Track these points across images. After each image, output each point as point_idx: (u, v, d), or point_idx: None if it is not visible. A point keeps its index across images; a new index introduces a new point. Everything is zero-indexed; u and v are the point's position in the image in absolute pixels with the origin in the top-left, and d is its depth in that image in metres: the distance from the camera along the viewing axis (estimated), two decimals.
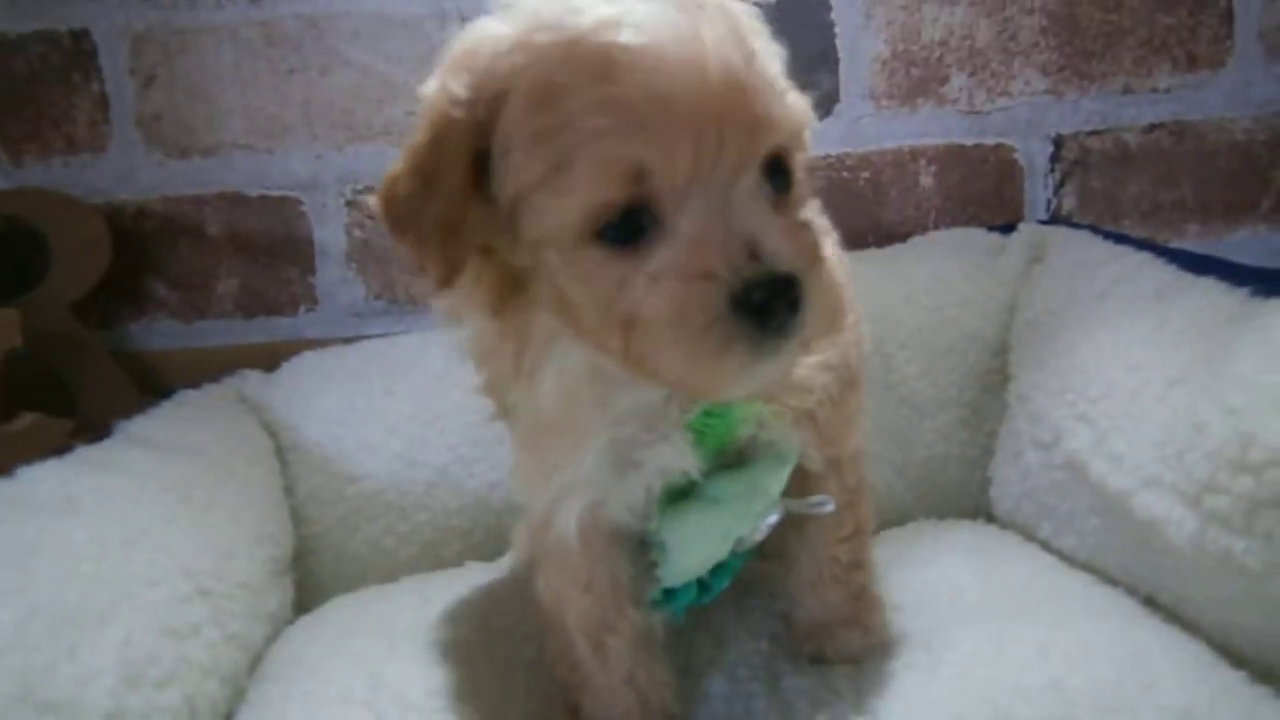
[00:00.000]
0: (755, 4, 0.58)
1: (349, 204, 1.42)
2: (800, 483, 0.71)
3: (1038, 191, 1.42)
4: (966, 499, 1.08)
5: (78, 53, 1.36)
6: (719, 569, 0.70)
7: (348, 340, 1.29)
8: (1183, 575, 0.73)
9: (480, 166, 0.56)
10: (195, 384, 1.21)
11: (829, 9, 1.37)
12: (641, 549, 0.71)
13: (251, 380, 1.26)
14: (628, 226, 0.53)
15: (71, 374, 1.26)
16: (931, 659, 0.72)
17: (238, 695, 0.86)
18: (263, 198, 1.41)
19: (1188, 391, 0.78)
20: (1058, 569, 0.86)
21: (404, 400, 1.17)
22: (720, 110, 0.51)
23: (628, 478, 0.65)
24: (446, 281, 0.57)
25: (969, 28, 1.37)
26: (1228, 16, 1.36)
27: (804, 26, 1.37)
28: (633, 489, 0.66)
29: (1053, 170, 1.41)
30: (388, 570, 1.10)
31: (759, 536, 0.68)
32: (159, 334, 1.42)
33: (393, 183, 0.58)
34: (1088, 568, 0.85)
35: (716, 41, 0.51)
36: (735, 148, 0.52)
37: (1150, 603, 0.78)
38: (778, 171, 0.56)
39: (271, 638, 0.95)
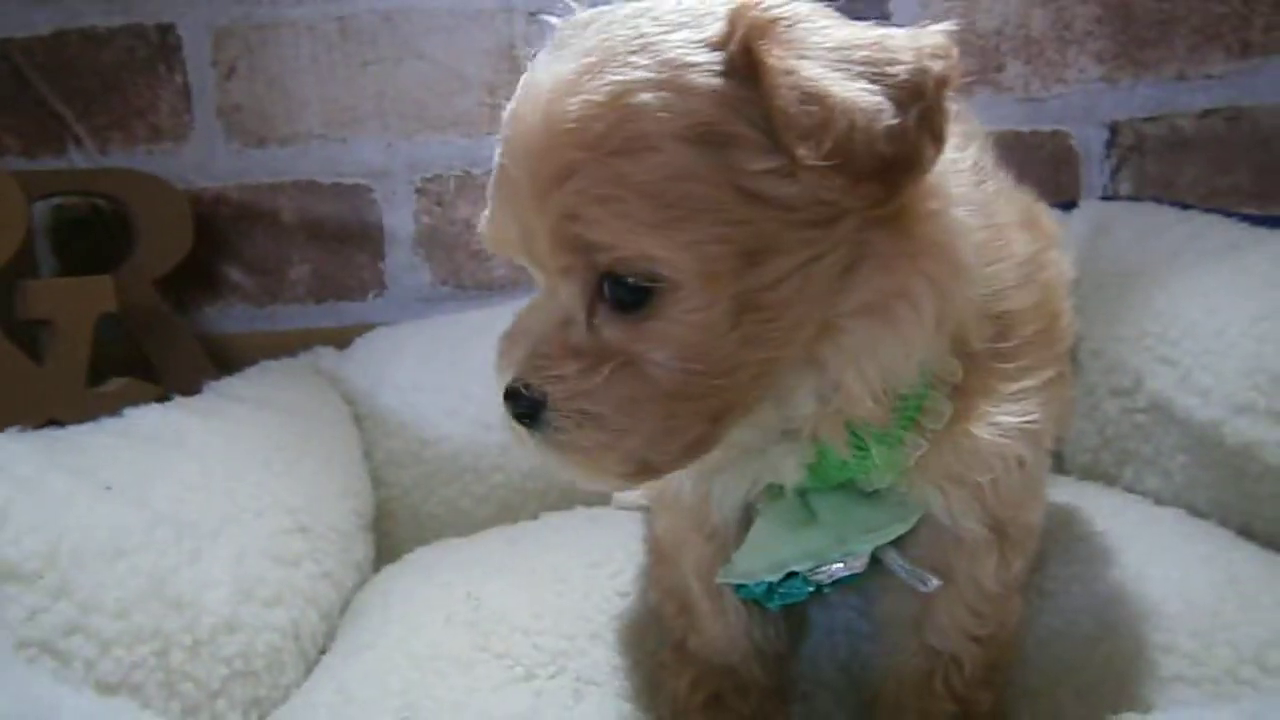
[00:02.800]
0: None
1: (418, 191, 1.46)
2: (935, 546, 0.63)
3: (1093, 177, 1.44)
4: None
5: (163, 45, 1.41)
6: (790, 582, 0.65)
7: None
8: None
9: None
10: None
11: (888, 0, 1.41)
12: None
13: (326, 355, 1.29)
14: None
15: (155, 349, 1.29)
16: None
17: (331, 632, 0.87)
18: (336, 185, 1.46)
19: (1273, 325, 0.80)
20: (1145, 505, 0.87)
21: (477, 368, 1.19)
22: (519, 199, 0.51)
23: (737, 461, 0.61)
24: None
25: (1024, 16, 1.40)
26: None
27: (863, 17, 1.40)
28: (739, 475, 0.63)
29: (1108, 156, 1.43)
30: (465, 531, 1.11)
31: (824, 579, 0.63)
32: (234, 318, 1.46)
33: None
34: (1175, 505, 0.86)
35: (539, 125, 0.49)
36: (531, 245, 0.52)
37: (1244, 533, 0.78)
38: (629, 289, 0.50)
39: (359, 586, 0.97)
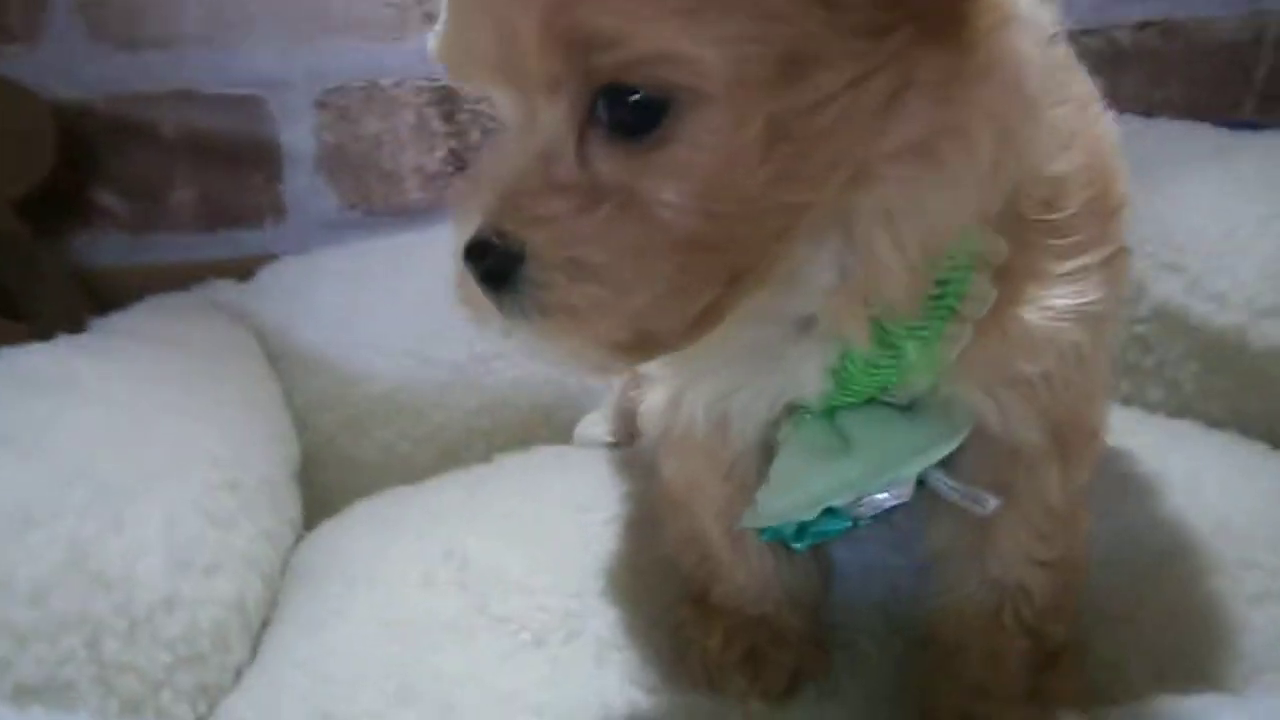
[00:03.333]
0: None
1: (319, 104, 1.30)
2: (988, 464, 0.54)
3: None
4: None
5: None
6: (823, 519, 0.56)
7: None
8: None
9: None
10: None
11: None
12: None
13: (224, 288, 1.14)
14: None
15: (18, 282, 1.11)
16: None
17: (273, 600, 0.76)
18: (222, 96, 1.28)
19: None
20: (1159, 419, 0.83)
21: (410, 298, 1.07)
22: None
23: (754, 381, 0.53)
24: None
25: None
26: None
27: None
28: (756, 394, 0.53)
29: None
30: (404, 478, 0.98)
31: (862, 512, 0.55)
32: (107, 249, 1.28)
33: None
34: (1184, 417, 0.82)
35: None
36: (526, 50, 0.39)
37: (1269, 440, 0.75)
38: (635, 106, 0.39)
39: (294, 546, 0.85)
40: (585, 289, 0.41)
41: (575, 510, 0.75)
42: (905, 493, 0.55)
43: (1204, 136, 0.97)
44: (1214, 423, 0.80)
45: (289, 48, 1.28)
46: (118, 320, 0.94)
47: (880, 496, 0.54)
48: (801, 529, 0.58)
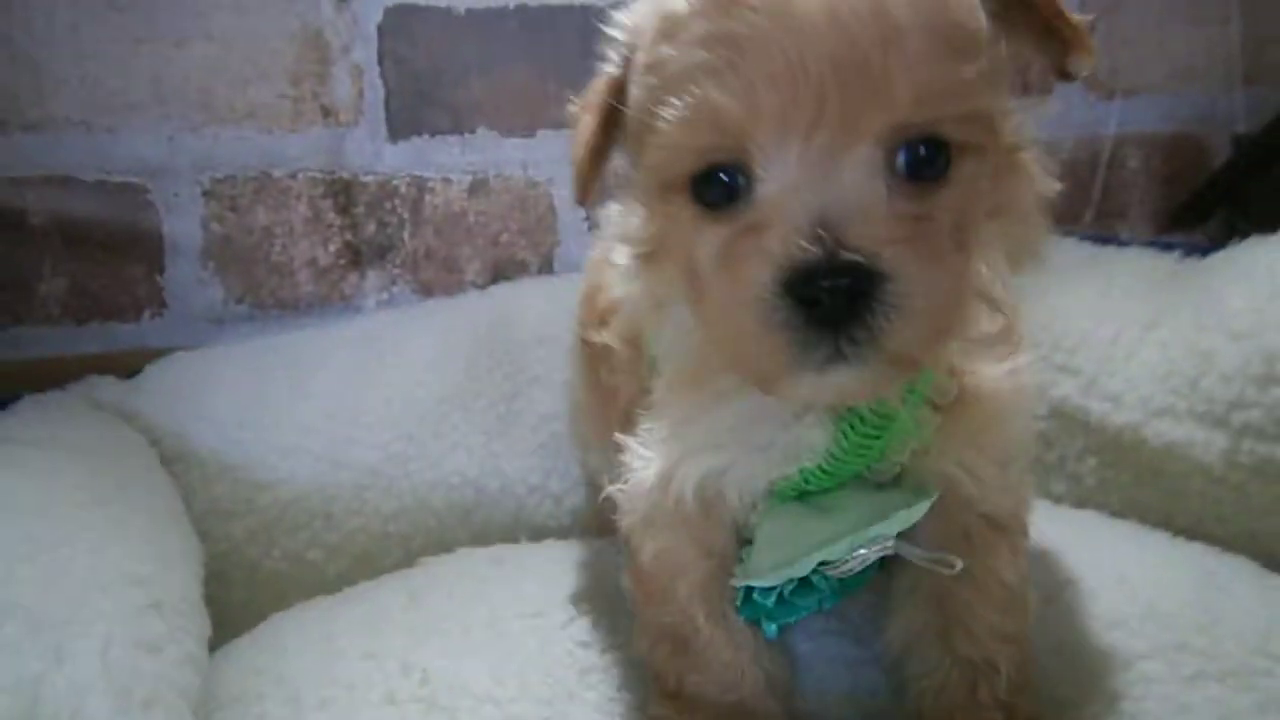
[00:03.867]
0: None
1: (206, 194, 1.25)
2: (946, 547, 0.59)
3: None
4: None
5: None
6: (804, 589, 0.61)
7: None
8: (1208, 493, 0.78)
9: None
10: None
11: None
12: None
13: (104, 386, 1.06)
14: (717, 183, 0.49)
15: None
16: None
17: None
18: (100, 183, 1.21)
19: (1170, 331, 0.85)
20: (1065, 509, 0.89)
21: (317, 398, 1.03)
22: (831, 64, 0.44)
23: (753, 455, 0.57)
24: (578, 199, 0.56)
25: None
26: None
27: None
28: (755, 468, 0.58)
29: None
30: (315, 588, 0.94)
31: (851, 567, 0.58)
32: None
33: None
34: (1086, 509, 0.89)
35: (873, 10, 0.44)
36: (841, 110, 0.44)
37: (1164, 528, 0.82)
38: (928, 154, 0.47)
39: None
40: (929, 303, 0.46)
41: (529, 615, 0.73)
42: (888, 546, 0.59)
43: (1076, 248, 1.07)
44: (1114, 513, 0.86)
45: (175, 135, 1.23)
46: (2, 423, 0.86)
47: (861, 552, 0.58)
48: (778, 604, 0.61)
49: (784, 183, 0.46)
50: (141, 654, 0.62)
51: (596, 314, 0.72)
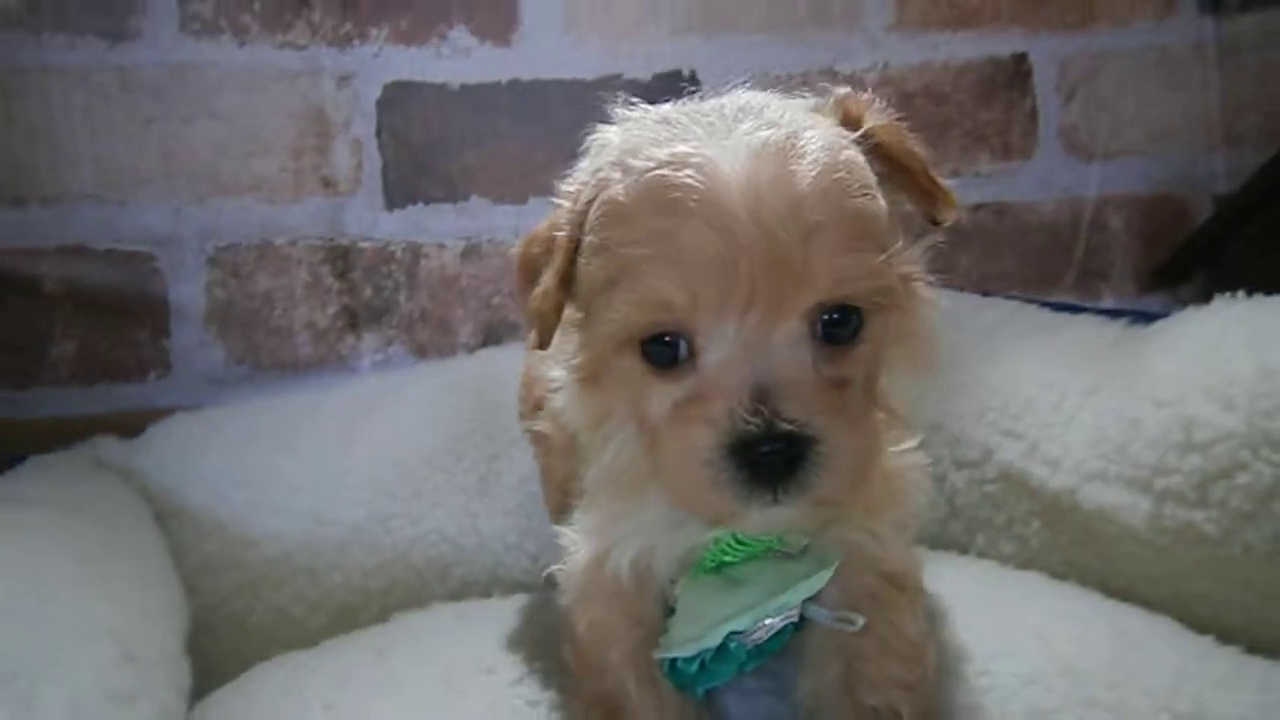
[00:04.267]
0: None
1: (211, 261, 1.33)
2: (849, 607, 0.65)
3: None
4: None
5: None
6: (722, 656, 0.66)
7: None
8: (1137, 555, 0.81)
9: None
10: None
11: None
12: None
13: (108, 446, 1.13)
14: (666, 348, 0.56)
15: None
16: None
17: None
18: (110, 252, 1.29)
19: (1106, 398, 0.88)
20: (1006, 570, 0.92)
21: (306, 458, 1.09)
22: (760, 259, 0.52)
23: (676, 534, 0.65)
24: (540, 345, 0.64)
25: None
26: (1033, 115, 1.58)
27: None
28: (680, 544, 0.65)
29: None
30: (296, 642, 0.98)
31: (760, 636, 0.64)
32: None
33: (527, 244, 0.64)
34: (1030, 569, 0.92)
35: (773, 189, 0.52)
36: (769, 296, 0.53)
37: (1101, 589, 0.85)
38: (843, 319, 0.56)
39: (186, 716, 0.83)
40: (847, 459, 0.54)
41: (483, 672, 0.77)
42: (794, 614, 0.65)
43: (1028, 315, 1.11)
44: (1056, 574, 0.89)
45: (182, 206, 1.31)
46: (3, 484, 0.92)
47: (770, 621, 0.64)
48: (701, 668, 0.66)
49: (724, 356, 0.54)
50: (112, 705, 0.67)
51: (532, 402, 0.77)
